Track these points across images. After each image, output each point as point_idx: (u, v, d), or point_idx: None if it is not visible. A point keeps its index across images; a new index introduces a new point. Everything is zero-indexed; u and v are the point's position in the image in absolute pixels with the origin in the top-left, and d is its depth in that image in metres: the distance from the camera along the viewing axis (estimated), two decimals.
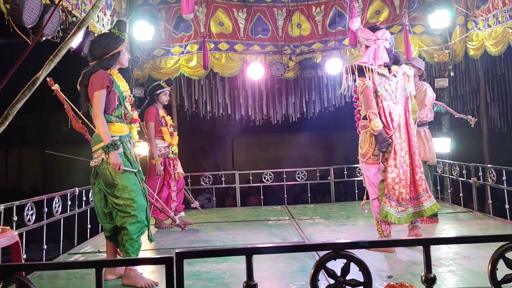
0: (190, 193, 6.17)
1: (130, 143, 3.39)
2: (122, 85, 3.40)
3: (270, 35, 7.63)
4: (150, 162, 5.43)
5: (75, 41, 4.65)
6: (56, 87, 3.76)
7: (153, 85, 5.70)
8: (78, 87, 3.33)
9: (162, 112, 5.49)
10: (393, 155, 3.83)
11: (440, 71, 7.25)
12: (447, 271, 3.30)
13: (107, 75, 3.24)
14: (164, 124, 5.45)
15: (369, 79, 3.81)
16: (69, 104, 3.83)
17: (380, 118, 3.82)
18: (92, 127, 3.43)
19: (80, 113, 3.71)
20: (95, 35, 4.74)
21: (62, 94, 3.79)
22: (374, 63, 3.87)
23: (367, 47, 3.98)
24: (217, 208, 7.36)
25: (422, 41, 7.13)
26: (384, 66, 3.92)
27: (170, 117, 5.69)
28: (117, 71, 3.41)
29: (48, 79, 3.64)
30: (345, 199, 7.90)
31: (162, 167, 5.39)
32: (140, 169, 3.47)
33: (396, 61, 3.99)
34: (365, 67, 3.84)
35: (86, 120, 3.76)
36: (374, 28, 4.04)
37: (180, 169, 5.57)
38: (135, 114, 3.50)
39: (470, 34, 6.54)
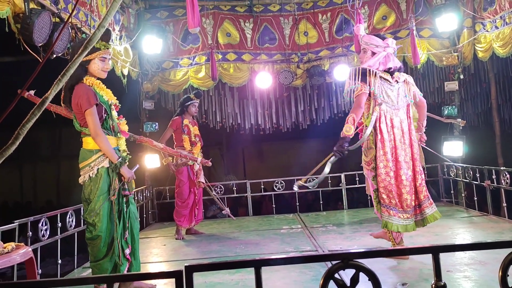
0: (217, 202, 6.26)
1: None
2: (105, 93, 3.29)
3: (277, 44, 7.67)
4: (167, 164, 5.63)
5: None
6: (28, 93, 3.64)
7: (184, 97, 5.94)
8: (63, 105, 3.26)
9: (187, 122, 5.68)
10: (383, 163, 3.81)
11: (449, 74, 7.20)
12: (461, 277, 3.27)
13: (90, 91, 3.14)
14: (186, 133, 5.60)
15: (368, 84, 3.80)
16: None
17: (381, 123, 3.83)
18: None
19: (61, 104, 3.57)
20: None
21: (36, 97, 3.66)
22: (380, 68, 3.89)
23: (373, 53, 3.98)
24: (229, 217, 7.35)
25: (430, 44, 7.10)
26: (388, 72, 3.93)
27: (196, 128, 5.83)
28: (98, 81, 3.27)
29: (19, 91, 3.57)
30: (357, 205, 7.84)
31: (175, 169, 5.57)
32: (133, 186, 3.41)
33: (399, 68, 4.01)
34: (369, 70, 3.84)
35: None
36: (381, 37, 4.07)
37: (202, 178, 5.72)
38: (123, 123, 3.41)
39: (478, 36, 6.50)
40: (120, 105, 3.44)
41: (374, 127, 3.84)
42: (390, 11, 7.37)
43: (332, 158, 3.76)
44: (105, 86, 3.36)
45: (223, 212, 6.25)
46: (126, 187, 3.34)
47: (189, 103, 5.71)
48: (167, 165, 5.62)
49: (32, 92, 3.73)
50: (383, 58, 3.93)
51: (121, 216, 3.25)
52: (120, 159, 3.18)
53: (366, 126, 3.88)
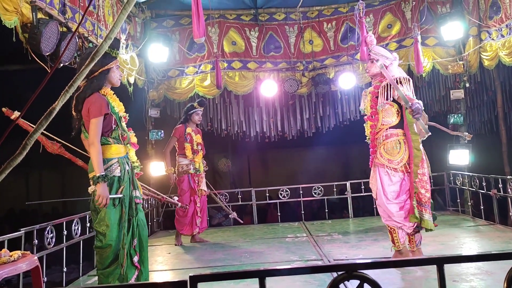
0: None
1: (128, 164, 3.30)
2: (117, 105, 3.32)
3: (283, 52, 7.70)
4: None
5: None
6: (16, 115, 3.36)
7: (187, 106, 5.98)
8: (73, 113, 3.25)
9: (190, 130, 5.71)
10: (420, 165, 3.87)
11: (455, 83, 7.19)
12: (468, 287, 3.24)
13: (104, 101, 3.16)
14: (188, 141, 5.64)
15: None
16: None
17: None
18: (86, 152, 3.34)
19: (52, 136, 3.52)
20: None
21: (26, 122, 3.40)
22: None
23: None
24: (234, 226, 7.35)
25: (436, 53, 7.10)
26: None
27: (199, 136, 5.85)
28: (111, 91, 3.32)
29: (4, 109, 3.39)
30: (363, 214, 7.81)
31: (175, 181, 5.66)
32: (139, 194, 3.34)
33: None
34: (408, 79, 3.94)
35: (59, 140, 3.56)
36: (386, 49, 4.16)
37: (203, 186, 5.75)
38: (132, 135, 3.42)
39: (484, 45, 6.49)
40: (128, 118, 3.47)
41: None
42: (395, 20, 7.39)
43: (405, 99, 3.69)
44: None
45: (230, 216, 6.27)
46: (138, 195, 3.34)
47: (192, 111, 5.75)
48: (168, 175, 5.67)
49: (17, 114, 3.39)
50: (398, 72, 4.03)
51: (130, 224, 3.26)
52: (102, 175, 3.06)
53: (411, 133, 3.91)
